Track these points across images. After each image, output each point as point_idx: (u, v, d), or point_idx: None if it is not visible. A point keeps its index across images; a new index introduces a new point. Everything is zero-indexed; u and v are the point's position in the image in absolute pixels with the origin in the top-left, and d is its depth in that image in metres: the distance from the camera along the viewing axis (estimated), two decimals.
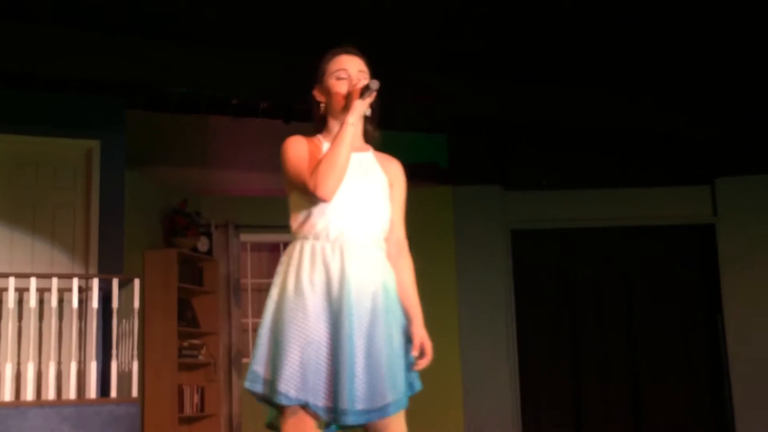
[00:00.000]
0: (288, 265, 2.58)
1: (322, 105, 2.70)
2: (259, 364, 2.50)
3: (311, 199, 2.56)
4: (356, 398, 2.44)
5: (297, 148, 2.62)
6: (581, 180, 8.38)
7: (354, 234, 2.58)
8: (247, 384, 2.52)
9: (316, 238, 2.57)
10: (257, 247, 8.39)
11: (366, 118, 2.70)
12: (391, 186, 2.74)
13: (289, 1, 5.71)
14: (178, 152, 7.90)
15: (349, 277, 2.51)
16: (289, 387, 2.43)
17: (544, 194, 8.34)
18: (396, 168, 2.78)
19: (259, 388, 2.50)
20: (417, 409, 8.35)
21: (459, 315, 7.95)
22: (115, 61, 6.24)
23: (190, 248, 7.63)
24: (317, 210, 2.57)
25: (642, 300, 8.34)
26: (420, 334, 2.64)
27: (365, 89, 2.60)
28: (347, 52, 2.71)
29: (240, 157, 8.06)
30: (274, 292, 2.57)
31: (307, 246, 2.57)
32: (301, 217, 2.60)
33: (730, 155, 8.25)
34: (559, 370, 8.24)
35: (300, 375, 2.44)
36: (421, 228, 8.01)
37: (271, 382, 2.47)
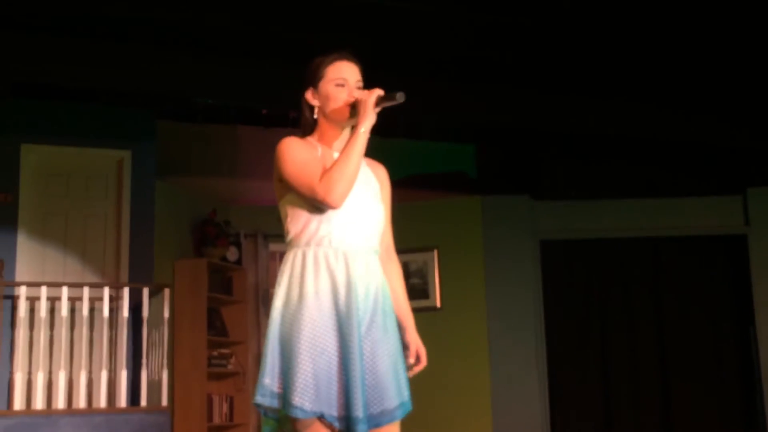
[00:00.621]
0: (290, 274, 2.52)
1: (316, 108, 2.65)
2: (268, 376, 2.44)
3: (315, 205, 2.51)
4: (367, 404, 2.42)
5: (298, 150, 2.57)
6: (610, 190, 8.30)
7: (355, 240, 2.54)
8: (258, 399, 2.45)
9: (318, 245, 2.51)
10: None
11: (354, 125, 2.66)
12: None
13: (316, 13, 5.70)
14: (207, 162, 7.92)
15: (355, 283, 2.48)
16: (303, 399, 2.38)
17: (573, 204, 8.26)
18: (383, 172, 2.78)
19: (271, 401, 2.44)
20: (446, 419, 8.28)
21: (488, 326, 7.88)
22: (146, 72, 6.26)
23: (219, 258, 7.65)
24: (318, 216, 2.52)
25: (673, 311, 8.22)
26: (415, 340, 2.67)
27: (385, 98, 2.55)
28: (347, 59, 2.68)
29: (269, 166, 8.05)
30: (278, 303, 2.51)
31: (309, 254, 2.51)
32: (300, 224, 2.54)
33: (762, 164, 8.14)
34: (589, 382, 8.14)
35: (314, 386, 2.39)
36: (450, 238, 8.08)
37: (284, 395, 2.42)
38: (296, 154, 2.55)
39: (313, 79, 2.66)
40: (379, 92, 2.56)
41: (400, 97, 2.52)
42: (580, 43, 6.12)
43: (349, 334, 2.43)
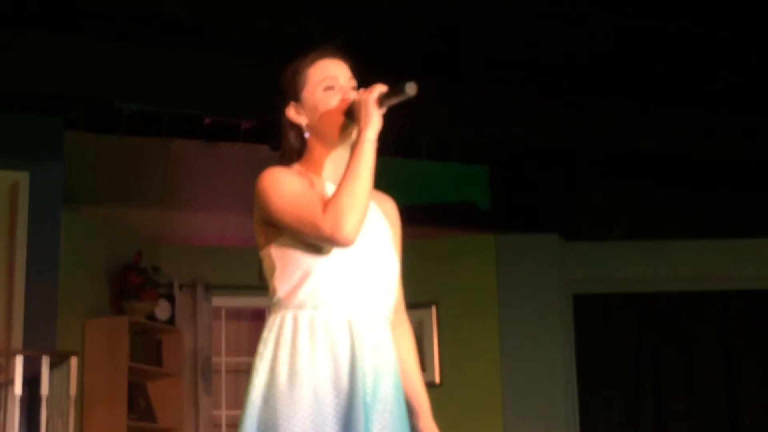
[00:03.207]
0: (277, 344, 2.57)
1: (303, 127, 2.71)
2: None
3: (316, 248, 2.57)
4: None
5: (288, 180, 2.61)
6: (665, 228, 8.36)
7: (364, 303, 2.61)
8: None
9: (315, 307, 2.57)
10: (235, 315, 8.48)
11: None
12: None
13: None
14: (132, 187, 7.90)
15: (363, 359, 2.55)
16: None
17: (617, 246, 8.35)
18: (392, 207, 2.84)
19: None
20: None
21: (503, 408, 7.90)
22: (51, 68, 6.29)
23: (145, 315, 7.65)
24: (317, 269, 2.58)
25: (747, 384, 8.30)
26: (431, 428, 2.81)
27: (390, 94, 2.60)
28: (331, 56, 2.75)
29: (213, 193, 8.08)
30: (259, 383, 2.56)
31: (303, 318, 2.57)
32: (294, 280, 2.60)
33: None
34: None
35: None
36: (453, 290, 8.21)
37: None
38: (287, 185, 2.60)
39: (292, 91, 2.72)
40: (381, 88, 2.61)
41: (410, 90, 2.56)
42: (627, 33, 6.16)
43: (353, 425, 2.50)
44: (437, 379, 7.95)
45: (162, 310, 7.80)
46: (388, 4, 5.81)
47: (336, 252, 2.56)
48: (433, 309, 8.08)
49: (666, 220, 8.40)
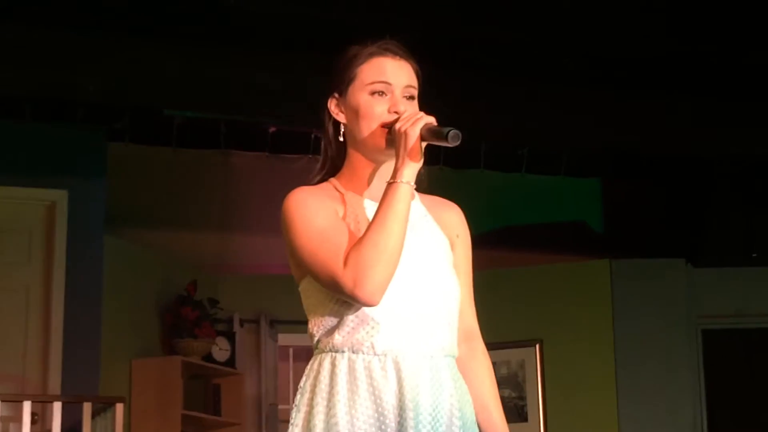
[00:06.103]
0: (313, 393, 2.57)
1: (343, 127, 2.69)
2: None
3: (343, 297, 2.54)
4: None
5: (312, 212, 2.60)
6: None
7: (415, 338, 2.57)
8: None
9: (355, 350, 2.56)
10: (305, 354, 8.33)
11: None
12: (452, 247, 2.75)
13: None
14: (185, 208, 7.97)
15: (414, 408, 2.52)
16: None
17: (755, 274, 8.31)
18: (455, 217, 2.80)
19: None
20: None
21: None
22: (91, 71, 6.34)
23: (201, 356, 7.71)
24: (354, 309, 2.56)
25: None
26: None
27: (433, 132, 2.54)
28: (392, 53, 2.70)
29: (279, 215, 8.07)
30: None
31: (342, 363, 2.56)
32: (328, 322, 2.59)
33: None
34: None
35: None
36: (561, 326, 8.11)
37: None
38: (309, 219, 2.59)
39: (339, 82, 2.68)
40: (428, 120, 2.57)
41: (452, 139, 2.52)
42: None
43: None
44: (542, 430, 7.96)
45: (220, 350, 7.86)
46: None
47: None
48: (537, 347, 8.11)
49: None
